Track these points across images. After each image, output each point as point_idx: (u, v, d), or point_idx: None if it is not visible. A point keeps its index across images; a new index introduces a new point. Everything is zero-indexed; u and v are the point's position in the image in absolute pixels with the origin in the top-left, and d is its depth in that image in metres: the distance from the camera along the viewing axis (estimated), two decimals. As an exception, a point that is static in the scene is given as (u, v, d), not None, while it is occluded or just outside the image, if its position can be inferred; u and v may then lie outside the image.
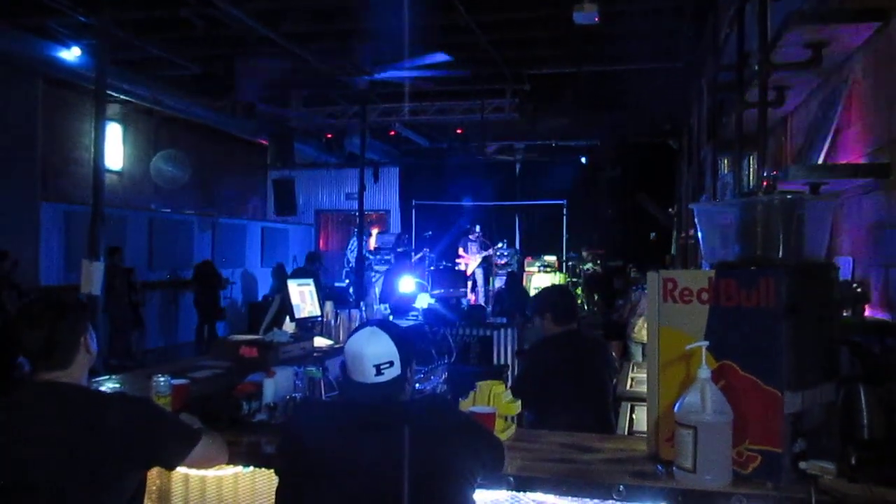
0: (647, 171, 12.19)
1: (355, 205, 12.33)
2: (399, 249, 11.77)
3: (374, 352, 1.80)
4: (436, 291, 7.70)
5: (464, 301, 8.11)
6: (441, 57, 7.21)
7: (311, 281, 4.35)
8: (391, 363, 1.80)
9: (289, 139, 11.57)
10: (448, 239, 13.46)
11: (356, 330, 1.88)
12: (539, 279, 12.52)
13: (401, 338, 1.86)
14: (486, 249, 12.67)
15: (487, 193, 14.04)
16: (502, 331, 6.24)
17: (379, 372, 1.79)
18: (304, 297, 4.14)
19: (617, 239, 12.96)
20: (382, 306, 5.53)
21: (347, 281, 11.93)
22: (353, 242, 13.05)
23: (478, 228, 12.76)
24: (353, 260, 12.72)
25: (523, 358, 3.84)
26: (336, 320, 4.31)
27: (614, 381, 3.44)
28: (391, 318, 5.61)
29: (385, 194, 15.51)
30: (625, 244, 12.59)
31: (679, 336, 1.87)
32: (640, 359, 6.73)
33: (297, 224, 15.01)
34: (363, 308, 4.95)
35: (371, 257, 12.68)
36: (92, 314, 3.90)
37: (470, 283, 12.00)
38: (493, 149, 13.65)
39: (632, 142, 11.61)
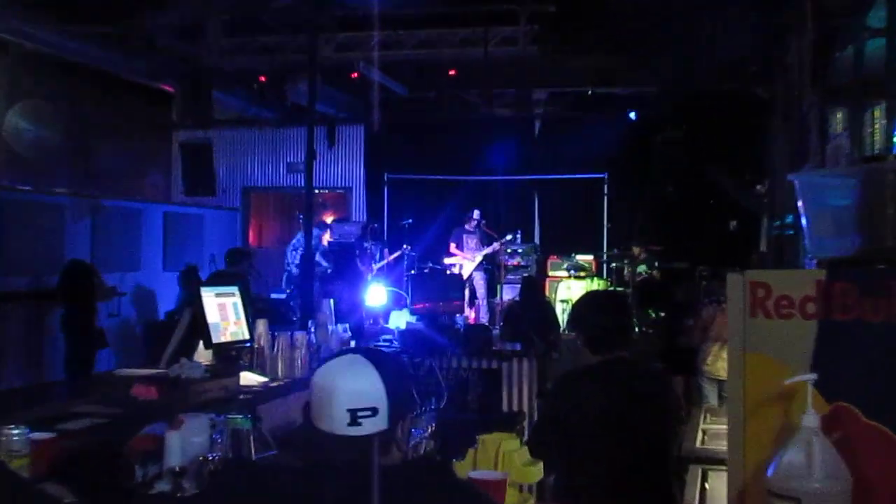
0: (724, 131, 12.24)
1: (301, 180, 12.27)
2: (367, 244, 11.79)
3: (350, 388, 1.79)
4: (418, 305, 7.70)
5: (459, 319, 8.11)
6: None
7: (236, 290, 4.34)
8: (374, 411, 1.79)
9: (204, 85, 11.52)
10: (436, 230, 13.47)
11: (334, 356, 1.90)
12: (568, 288, 12.56)
13: (396, 377, 1.86)
14: (489, 244, 12.71)
15: (492, 164, 14.08)
16: (515, 362, 6.26)
17: (354, 420, 1.78)
18: (225, 314, 4.13)
19: (681, 230, 13.01)
20: (340, 327, 5.53)
21: (289, 290, 11.90)
22: (299, 235, 13.01)
23: (477, 214, 12.79)
24: (297, 260, 12.72)
25: (546, 401, 3.84)
26: (273, 347, 4.30)
27: (679, 434, 3.44)
28: (352, 345, 5.61)
29: (345, 165, 15.50)
30: (692, 237, 12.63)
31: (773, 367, 1.87)
32: (715, 402, 6.75)
33: (215, 208, 14.96)
34: (313, 329, 4.93)
35: (323, 260, 12.66)
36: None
37: (467, 293, 12.02)
38: (502, 100, 13.66)
39: (702, 89, 11.65)
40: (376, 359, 1.86)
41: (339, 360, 1.86)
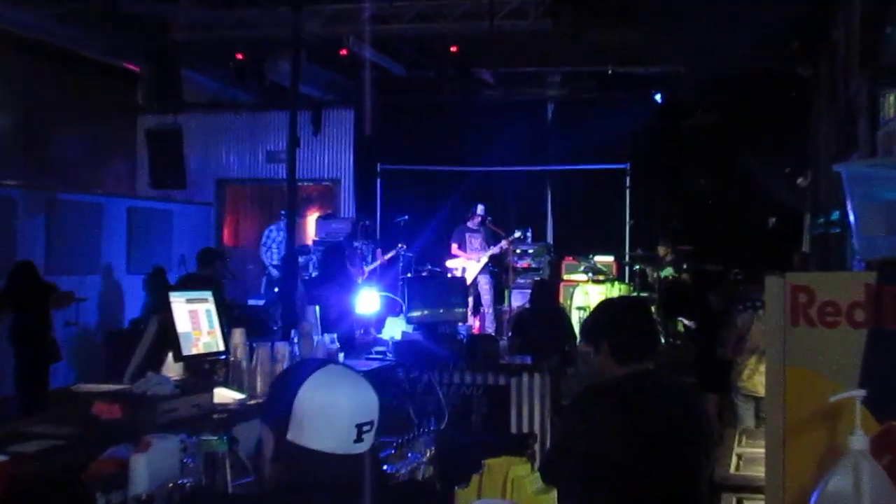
0: (762, 116, 12.26)
1: (282, 171, 12.21)
2: (357, 243, 11.79)
3: (355, 402, 1.89)
4: (415, 313, 7.69)
5: (461, 329, 8.09)
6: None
7: (209, 295, 4.33)
8: (372, 424, 1.90)
9: (174, 62, 11.52)
10: (435, 227, 13.44)
11: (303, 370, 1.93)
12: (585, 293, 12.57)
13: (375, 386, 1.95)
14: (495, 244, 12.71)
15: (500, 153, 14.07)
16: (525, 377, 6.26)
17: (360, 437, 1.87)
18: (197, 322, 4.12)
19: (713, 227, 13.03)
20: (327, 337, 5.53)
21: (271, 294, 11.92)
22: (279, 233, 12.99)
23: (481, 210, 12.80)
24: (275, 260, 12.69)
25: (561, 420, 3.84)
26: (251, 360, 4.30)
27: (712, 459, 3.44)
28: (341, 358, 5.60)
29: (332, 154, 15.52)
30: (726, 236, 12.64)
31: (817, 382, 1.88)
32: (751, 423, 6.75)
33: (186, 203, 14.98)
34: (296, 340, 4.93)
35: (310, 257, 12.63)
36: None
37: (471, 300, 12.02)
38: (511, 80, 13.65)
39: (737, 69, 11.64)
40: (347, 368, 1.95)
41: (323, 372, 1.91)
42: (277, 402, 1.91)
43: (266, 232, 13.47)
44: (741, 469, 4.00)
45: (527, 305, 10.38)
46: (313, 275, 12.18)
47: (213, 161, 15.75)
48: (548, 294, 10.10)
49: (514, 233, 12.83)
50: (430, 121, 14.12)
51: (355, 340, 7.80)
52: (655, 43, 11.43)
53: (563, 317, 9.82)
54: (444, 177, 14.32)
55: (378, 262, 12.16)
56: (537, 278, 12.10)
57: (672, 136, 13.23)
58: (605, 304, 3.65)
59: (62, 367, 10.93)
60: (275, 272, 12.42)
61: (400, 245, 12.37)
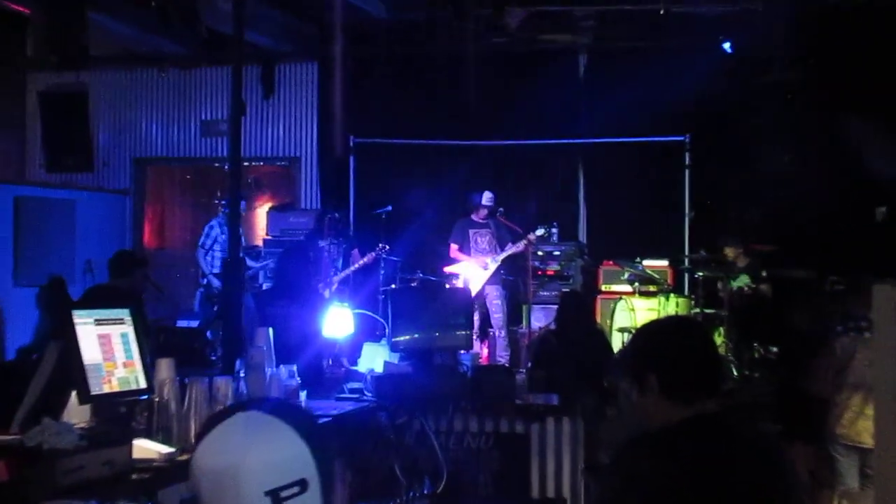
0: (869, 70, 12.23)
1: (222, 147, 12.15)
2: (323, 243, 11.77)
3: (263, 461, 1.86)
4: (402, 338, 7.69)
5: (464, 357, 8.11)
6: None
7: (126, 314, 4.34)
8: (302, 485, 1.87)
9: (76, 4, 11.51)
10: (428, 222, 13.44)
11: (219, 419, 1.94)
12: (630, 310, 12.58)
13: (318, 434, 1.94)
14: (510, 244, 12.67)
15: (515, 122, 14.10)
16: (551, 423, 6.28)
17: None
18: (110, 351, 4.13)
19: (801, 221, 13.02)
20: (285, 370, 5.55)
21: (209, 312, 11.94)
22: (220, 230, 12.93)
23: (489, 198, 12.73)
24: (215, 267, 12.63)
25: (599, 482, 3.85)
26: (183, 401, 4.31)
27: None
28: (303, 399, 5.60)
29: (290, 125, 15.53)
30: (819, 232, 12.63)
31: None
32: (854, 482, 6.75)
33: (94, 190, 14.99)
34: (242, 374, 4.94)
35: (256, 264, 12.62)
36: None
37: (477, 319, 12.01)
38: (526, 24, 13.63)
39: (836, 4, 11.66)
40: (279, 410, 1.94)
41: (229, 423, 1.92)
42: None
43: (207, 228, 13.43)
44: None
45: (552, 326, 10.38)
46: (265, 286, 12.19)
47: (129, 134, 15.76)
48: (580, 311, 10.10)
49: (535, 229, 12.76)
50: (419, 79, 14.14)
51: (322, 374, 7.81)
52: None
53: (602, 341, 9.81)
54: (440, 154, 14.33)
55: (352, 269, 12.13)
56: (566, 289, 12.10)
57: (746, 98, 13.23)
58: (650, 328, 3.63)
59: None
60: (215, 283, 12.42)
61: (381, 246, 12.33)
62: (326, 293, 11.20)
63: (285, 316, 8.50)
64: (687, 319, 7.78)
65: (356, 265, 12.21)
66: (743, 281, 12.45)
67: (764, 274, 12.47)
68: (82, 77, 12.98)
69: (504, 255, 12.57)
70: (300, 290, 8.71)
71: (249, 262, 12.67)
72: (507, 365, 11.40)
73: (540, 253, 13.16)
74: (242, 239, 12.81)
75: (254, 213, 15.01)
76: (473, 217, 12.71)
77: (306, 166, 15.46)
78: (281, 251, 11.58)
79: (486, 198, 12.68)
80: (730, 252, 12.68)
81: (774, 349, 10.91)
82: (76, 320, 4.08)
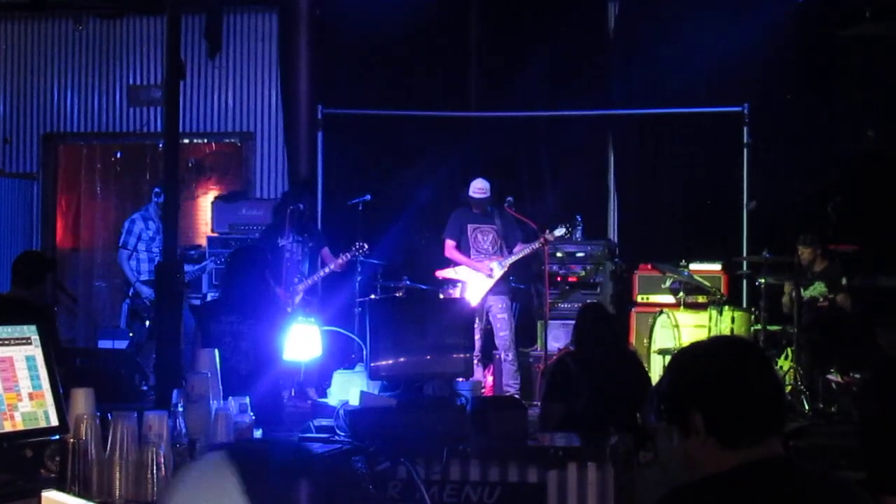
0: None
1: (156, 122, 12.06)
2: (284, 241, 11.77)
3: None
4: (384, 362, 7.70)
5: (463, 387, 8.12)
6: None
7: (33, 332, 4.33)
8: None
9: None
10: (414, 214, 13.44)
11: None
12: (674, 326, 12.58)
13: (268, 485, 1.96)
14: (523, 244, 12.65)
15: (527, 87, 14.09)
16: (572, 470, 6.28)
17: None
18: (11, 379, 4.13)
19: (892, 215, 13.05)
20: (235, 404, 5.57)
21: (139, 329, 11.97)
22: (153, 226, 12.90)
23: (475, 189, 12.65)
24: (142, 273, 12.57)
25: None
26: (107, 443, 4.30)
27: None
28: (258, 435, 5.58)
29: (241, 92, 15.53)
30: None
31: None
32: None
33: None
34: (180, 408, 4.94)
35: (192, 267, 12.61)
36: None
37: (479, 338, 12.00)
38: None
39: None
40: (241, 456, 2.00)
41: (193, 472, 2.00)
42: None
43: (128, 224, 13.39)
44: None
45: (572, 348, 10.38)
46: (210, 297, 12.17)
47: (37, 104, 15.75)
48: (608, 327, 10.08)
49: (553, 226, 12.71)
50: (407, 35, 14.11)
51: (282, 409, 7.81)
52: None
53: (635, 367, 9.80)
54: (433, 129, 14.32)
55: (321, 274, 12.11)
56: (591, 300, 12.09)
57: (821, 57, 13.24)
58: (692, 351, 3.58)
59: None
60: (144, 292, 12.41)
61: (357, 245, 12.31)
62: (289, 307, 11.20)
63: (234, 334, 8.51)
64: (738, 340, 7.78)
65: (326, 270, 12.19)
66: (817, 290, 12.47)
67: (844, 282, 12.48)
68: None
69: (514, 258, 12.54)
70: (253, 302, 8.72)
71: (186, 266, 12.68)
72: (516, 397, 11.39)
73: (559, 255, 13.16)
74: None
75: (195, 204, 14.99)
76: (473, 209, 12.72)
77: (263, 144, 15.49)
78: (229, 252, 11.56)
79: (475, 188, 12.64)
80: (806, 252, 12.61)
81: (857, 377, 10.92)
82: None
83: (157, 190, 12.80)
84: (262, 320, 8.51)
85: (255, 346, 8.38)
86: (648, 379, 9.68)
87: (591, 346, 9.35)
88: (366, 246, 12.29)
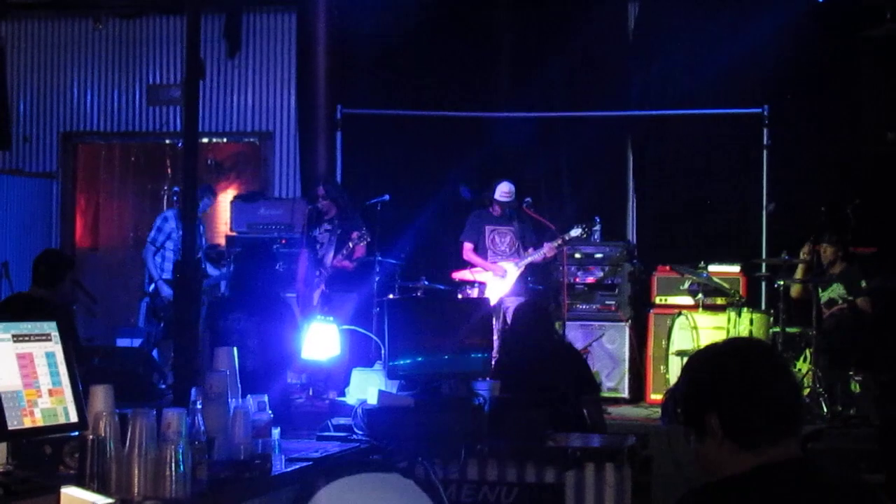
0: None
1: (175, 120, 12.08)
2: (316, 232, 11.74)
3: None
4: (403, 361, 7.69)
5: (481, 387, 8.10)
6: None
7: (53, 329, 4.33)
8: None
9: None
10: (433, 215, 13.40)
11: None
12: (692, 328, 12.58)
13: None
14: (540, 246, 12.62)
15: (542, 88, 14.06)
16: (591, 470, 6.27)
17: None
18: (31, 376, 4.13)
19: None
20: (253, 402, 5.57)
21: (156, 328, 11.96)
22: (174, 224, 12.84)
23: (501, 193, 12.66)
24: (166, 272, 12.53)
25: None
26: (125, 439, 4.30)
27: None
28: (276, 436, 5.58)
29: (260, 92, 15.53)
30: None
31: None
32: None
33: (11, 174, 15.01)
34: (199, 406, 4.94)
35: (216, 271, 12.59)
36: None
37: (495, 338, 11.97)
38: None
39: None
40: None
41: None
42: None
43: (160, 220, 13.24)
44: None
45: (590, 350, 10.38)
46: (224, 295, 12.16)
47: (56, 103, 15.76)
48: (539, 323, 10.04)
49: (571, 227, 12.69)
50: (425, 34, 14.10)
51: (298, 407, 7.80)
52: None
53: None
54: (452, 130, 14.30)
55: (347, 251, 11.92)
56: (611, 302, 12.07)
57: (841, 58, 13.20)
58: (707, 353, 3.56)
59: None
60: (164, 291, 12.35)
61: (357, 233, 12.14)
62: (311, 302, 11.20)
63: (241, 332, 8.52)
64: (754, 341, 7.76)
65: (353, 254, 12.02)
66: (835, 292, 12.41)
67: (863, 284, 12.43)
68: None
69: (530, 258, 12.51)
70: (261, 300, 8.72)
71: (210, 269, 12.64)
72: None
73: (577, 256, 13.13)
74: (203, 239, 12.87)
75: (215, 203, 14.98)
76: (491, 210, 12.72)
77: (281, 144, 15.48)
78: (239, 251, 11.55)
79: (502, 192, 12.64)
80: (829, 251, 12.53)
81: (881, 379, 10.90)
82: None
83: (175, 190, 12.79)
84: (270, 318, 8.51)
85: (263, 343, 8.39)
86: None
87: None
88: (366, 234, 12.09)
